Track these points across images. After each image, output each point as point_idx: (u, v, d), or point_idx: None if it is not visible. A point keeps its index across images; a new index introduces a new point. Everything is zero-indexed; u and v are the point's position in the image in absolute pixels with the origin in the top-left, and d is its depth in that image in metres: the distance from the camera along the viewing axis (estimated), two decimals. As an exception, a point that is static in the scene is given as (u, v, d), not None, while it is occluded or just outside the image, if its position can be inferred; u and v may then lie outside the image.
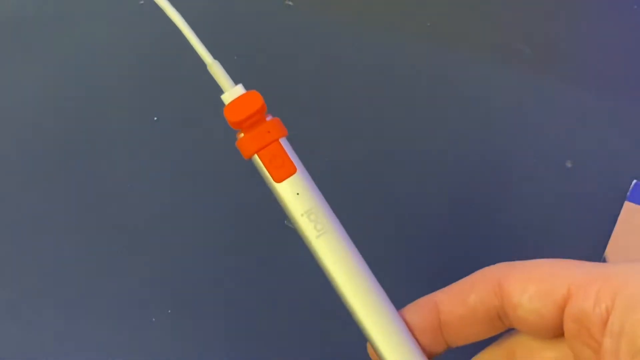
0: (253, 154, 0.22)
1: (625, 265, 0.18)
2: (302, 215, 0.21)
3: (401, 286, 0.23)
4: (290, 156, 0.22)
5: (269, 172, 0.21)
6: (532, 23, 0.43)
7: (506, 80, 0.40)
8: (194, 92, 0.40)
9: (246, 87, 0.22)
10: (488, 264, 0.21)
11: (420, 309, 0.21)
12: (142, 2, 0.44)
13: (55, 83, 0.43)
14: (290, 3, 0.44)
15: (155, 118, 0.40)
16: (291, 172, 0.21)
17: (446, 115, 0.39)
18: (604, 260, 0.31)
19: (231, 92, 0.22)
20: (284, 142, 0.22)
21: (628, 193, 0.33)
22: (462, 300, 0.21)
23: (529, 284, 0.19)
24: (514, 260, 0.21)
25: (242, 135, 0.22)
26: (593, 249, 0.32)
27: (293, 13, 0.44)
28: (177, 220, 0.36)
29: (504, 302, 0.20)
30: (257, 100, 0.21)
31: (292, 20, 0.44)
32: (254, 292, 0.33)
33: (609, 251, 0.32)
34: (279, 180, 0.21)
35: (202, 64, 0.28)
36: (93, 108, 0.41)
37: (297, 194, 0.21)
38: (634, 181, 0.34)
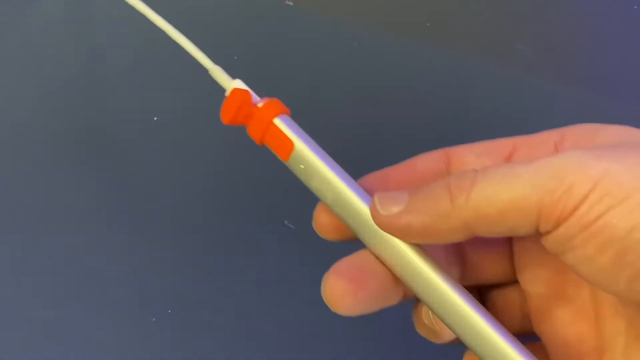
0: (262, 143, 0.21)
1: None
2: (312, 187, 0.21)
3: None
4: (287, 132, 0.21)
5: (277, 154, 0.21)
6: (532, 23, 0.43)
7: (506, 80, 0.40)
8: (194, 92, 0.40)
9: (248, 86, 0.22)
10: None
11: (373, 178, 0.22)
12: (142, 2, 0.44)
13: (55, 83, 0.43)
14: (290, 3, 0.44)
15: (155, 118, 0.40)
16: (290, 148, 0.21)
17: (446, 115, 0.39)
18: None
19: (227, 92, 0.22)
20: (282, 120, 0.21)
21: (628, 193, 0.33)
22: (410, 168, 0.22)
23: (474, 147, 0.21)
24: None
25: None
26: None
27: (293, 13, 0.44)
28: (177, 220, 0.35)
29: (451, 162, 0.21)
30: (237, 95, 0.21)
31: (292, 20, 0.44)
32: (253, 292, 0.33)
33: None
34: (286, 159, 0.21)
35: (201, 65, 0.28)
36: (93, 108, 0.41)
37: (302, 167, 0.21)
38: (634, 181, 0.34)
